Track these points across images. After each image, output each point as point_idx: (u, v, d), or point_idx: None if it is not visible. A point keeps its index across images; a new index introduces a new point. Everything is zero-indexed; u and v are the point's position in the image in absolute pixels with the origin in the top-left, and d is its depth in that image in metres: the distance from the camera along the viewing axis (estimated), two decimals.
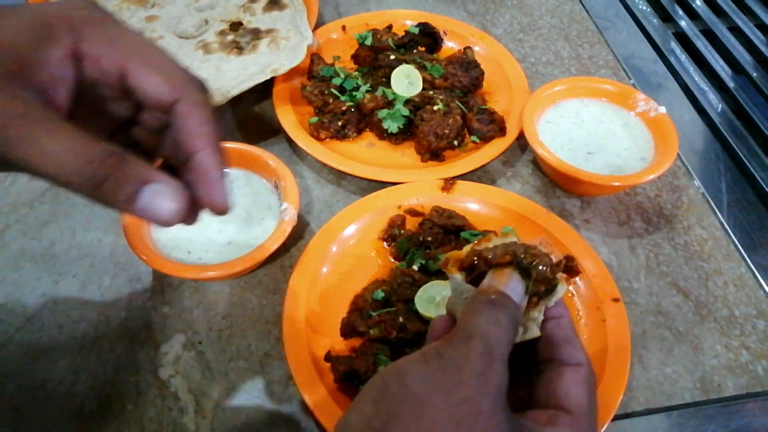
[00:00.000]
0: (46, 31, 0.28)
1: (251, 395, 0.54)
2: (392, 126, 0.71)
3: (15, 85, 0.27)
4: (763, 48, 0.90)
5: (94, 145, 0.27)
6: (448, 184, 0.66)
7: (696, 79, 0.86)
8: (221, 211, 0.33)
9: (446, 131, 0.69)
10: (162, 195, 0.29)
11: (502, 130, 0.71)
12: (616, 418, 0.52)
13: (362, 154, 0.72)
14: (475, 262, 0.39)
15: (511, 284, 0.37)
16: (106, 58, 0.29)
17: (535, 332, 0.38)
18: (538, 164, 0.73)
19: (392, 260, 0.63)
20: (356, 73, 0.79)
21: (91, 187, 0.27)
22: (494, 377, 0.32)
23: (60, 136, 0.27)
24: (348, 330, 0.56)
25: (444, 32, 0.84)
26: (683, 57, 0.89)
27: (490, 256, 0.38)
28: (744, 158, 0.75)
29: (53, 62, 0.28)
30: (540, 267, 0.38)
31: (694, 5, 0.98)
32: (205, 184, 0.32)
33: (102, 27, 0.29)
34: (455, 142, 0.71)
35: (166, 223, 0.30)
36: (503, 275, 0.38)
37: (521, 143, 0.74)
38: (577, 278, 0.60)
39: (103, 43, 0.29)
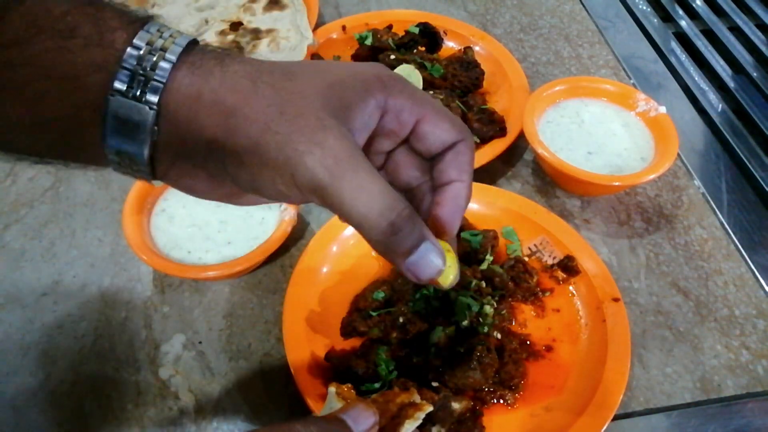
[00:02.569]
0: (365, 85, 0.33)
1: (251, 395, 0.54)
2: None
3: (342, 125, 0.31)
4: (763, 48, 0.90)
5: (398, 196, 0.31)
6: None
7: (696, 79, 0.86)
8: (449, 233, 0.37)
9: None
10: (434, 253, 0.32)
11: (502, 130, 0.71)
12: (616, 418, 0.52)
13: None
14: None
15: (352, 412, 0.37)
16: (407, 111, 0.35)
17: None
18: (538, 164, 0.73)
19: None
20: None
21: (386, 234, 0.31)
22: None
23: (375, 182, 0.30)
24: (348, 330, 0.56)
25: (444, 32, 0.84)
26: (683, 57, 0.89)
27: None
28: (744, 158, 0.75)
29: (367, 111, 0.33)
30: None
31: (694, 5, 0.98)
32: (452, 208, 0.37)
33: (402, 85, 0.35)
34: None
35: (426, 279, 0.33)
36: (349, 404, 0.38)
37: (521, 143, 0.74)
38: (577, 278, 0.60)
39: (406, 98, 0.35)
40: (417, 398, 0.43)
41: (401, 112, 0.35)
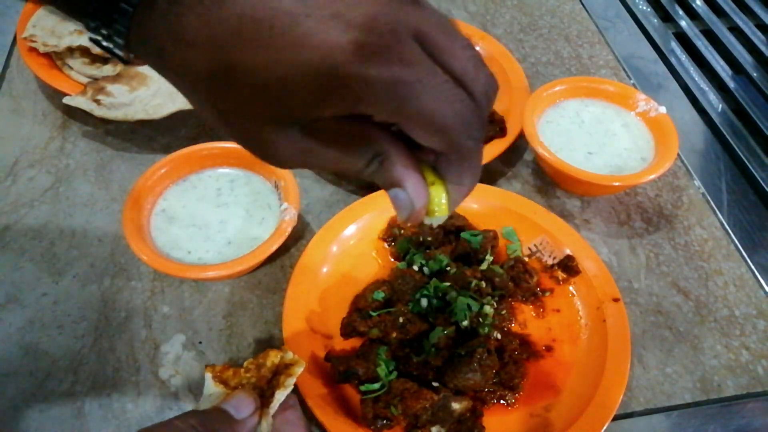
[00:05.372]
0: (323, 96, 0.27)
1: None
2: None
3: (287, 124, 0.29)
4: (763, 48, 0.90)
5: (358, 159, 0.31)
6: None
7: (696, 79, 0.86)
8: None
9: None
10: (399, 200, 0.32)
11: (502, 130, 0.71)
12: (616, 418, 0.52)
13: None
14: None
15: (233, 401, 0.40)
16: (382, 116, 0.29)
17: None
18: (538, 164, 0.73)
19: (392, 260, 0.63)
20: None
21: (365, 176, 0.31)
22: None
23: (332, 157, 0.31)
24: (348, 330, 0.56)
25: None
26: (683, 57, 0.89)
27: (230, 381, 0.44)
28: (744, 158, 0.75)
29: (325, 117, 0.29)
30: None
31: (694, 5, 0.98)
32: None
33: (375, 87, 0.27)
34: None
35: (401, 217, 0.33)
36: (230, 394, 0.42)
37: (521, 143, 0.73)
38: (577, 278, 0.60)
39: (378, 107, 0.28)
40: (289, 355, 0.45)
41: (375, 114, 0.29)
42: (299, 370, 0.44)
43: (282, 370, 0.44)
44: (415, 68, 0.27)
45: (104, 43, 0.30)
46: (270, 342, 0.57)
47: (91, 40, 0.31)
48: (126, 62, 0.32)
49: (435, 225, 0.34)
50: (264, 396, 0.42)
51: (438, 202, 0.33)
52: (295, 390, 0.51)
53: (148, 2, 0.27)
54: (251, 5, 0.26)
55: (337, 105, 0.27)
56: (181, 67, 0.28)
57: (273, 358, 0.44)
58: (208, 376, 0.43)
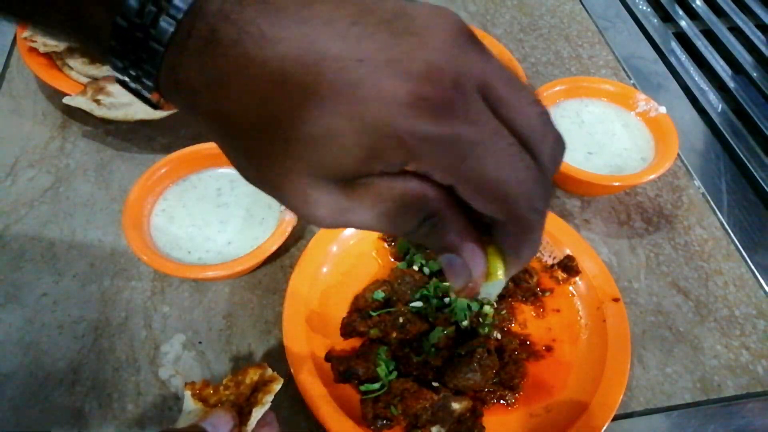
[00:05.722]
0: (373, 152, 0.24)
1: None
2: None
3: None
4: (763, 48, 0.90)
5: (408, 220, 0.27)
6: None
7: (696, 79, 0.86)
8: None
9: None
10: (454, 267, 0.29)
11: None
12: (616, 418, 0.52)
13: None
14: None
15: (211, 419, 0.40)
16: (437, 176, 0.26)
17: None
18: None
19: (392, 260, 0.63)
20: None
21: (415, 239, 0.28)
22: None
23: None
24: (348, 330, 0.56)
25: None
26: (683, 57, 0.89)
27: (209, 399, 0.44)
28: (744, 158, 0.75)
29: (374, 174, 0.26)
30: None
31: (694, 5, 0.98)
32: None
33: (434, 147, 0.24)
34: None
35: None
36: (208, 411, 0.42)
37: None
38: (577, 278, 0.60)
39: (433, 167, 0.25)
40: (268, 371, 0.45)
41: (429, 173, 0.26)
42: (277, 387, 0.44)
43: (261, 387, 0.44)
44: (478, 126, 0.24)
45: (132, 85, 0.28)
46: (269, 343, 0.57)
47: (118, 81, 0.28)
48: (156, 107, 0.29)
49: (494, 295, 0.32)
50: (243, 413, 0.43)
51: (495, 266, 0.29)
52: (295, 390, 0.51)
53: (181, 42, 0.25)
54: (296, 47, 0.24)
55: (388, 161, 0.25)
56: (215, 114, 0.26)
57: (252, 375, 0.44)
58: (187, 393, 0.43)
